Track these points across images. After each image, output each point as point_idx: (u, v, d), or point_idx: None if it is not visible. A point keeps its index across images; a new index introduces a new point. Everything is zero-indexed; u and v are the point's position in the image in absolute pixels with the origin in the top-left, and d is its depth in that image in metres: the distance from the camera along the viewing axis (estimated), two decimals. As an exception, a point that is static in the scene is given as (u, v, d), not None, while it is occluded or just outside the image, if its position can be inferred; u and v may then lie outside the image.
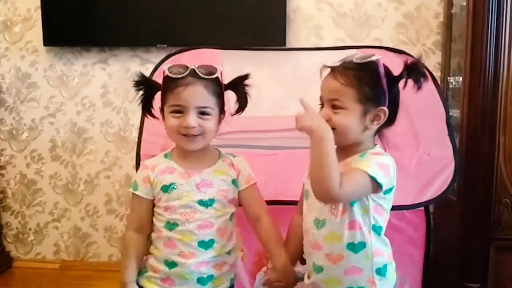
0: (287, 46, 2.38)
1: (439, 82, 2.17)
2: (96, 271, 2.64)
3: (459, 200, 1.93)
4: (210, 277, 1.32)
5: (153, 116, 1.38)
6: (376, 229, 1.22)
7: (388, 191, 1.21)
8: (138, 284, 1.35)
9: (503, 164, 1.86)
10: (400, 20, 2.42)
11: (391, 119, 1.24)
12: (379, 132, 1.26)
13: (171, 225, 1.31)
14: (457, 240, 1.95)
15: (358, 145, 1.24)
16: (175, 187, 1.31)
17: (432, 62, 2.40)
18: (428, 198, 1.59)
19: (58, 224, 2.72)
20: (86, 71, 2.60)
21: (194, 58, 1.35)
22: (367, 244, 1.22)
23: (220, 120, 1.36)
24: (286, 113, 2.08)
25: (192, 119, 1.26)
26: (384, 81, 1.20)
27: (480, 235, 1.89)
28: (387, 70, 1.22)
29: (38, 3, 2.50)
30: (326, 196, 1.14)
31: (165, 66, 1.31)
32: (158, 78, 1.36)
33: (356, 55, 1.23)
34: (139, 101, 1.35)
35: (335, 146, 1.13)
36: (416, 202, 1.57)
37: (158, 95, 1.35)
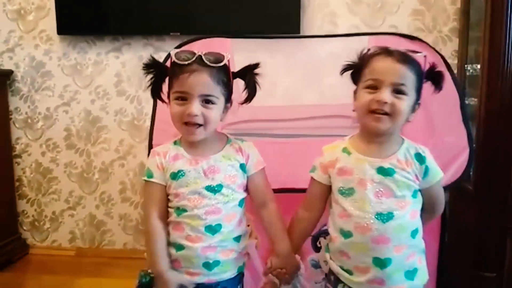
0: (301, 33, 2.35)
1: (455, 70, 2.14)
2: (111, 258, 2.67)
3: (476, 189, 1.91)
4: (217, 263, 1.31)
5: (162, 101, 1.37)
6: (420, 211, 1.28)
7: None
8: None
9: (521, 152, 1.83)
10: (416, 6, 2.38)
11: None
12: None
13: (180, 211, 1.31)
14: (473, 229, 1.92)
15: (393, 134, 1.27)
16: (183, 174, 1.31)
17: (449, 49, 2.36)
18: (443, 184, 1.57)
19: (74, 212, 2.75)
20: (99, 59, 2.61)
21: (206, 47, 1.33)
22: (419, 228, 1.27)
23: (226, 110, 1.35)
24: (299, 102, 2.07)
25: (195, 107, 1.25)
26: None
27: (496, 225, 1.86)
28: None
29: (52, -9, 2.51)
30: None
31: (172, 51, 1.30)
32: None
33: (401, 48, 1.26)
34: (148, 85, 1.35)
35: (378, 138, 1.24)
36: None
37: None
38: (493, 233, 1.88)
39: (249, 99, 1.36)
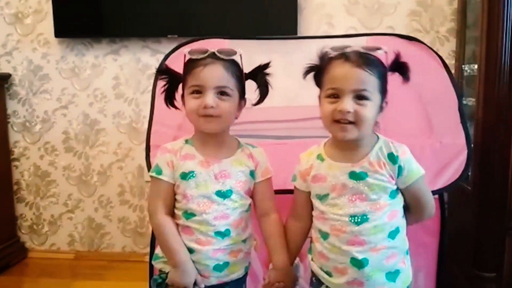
0: (298, 35, 2.36)
1: (453, 70, 2.14)
2: (110, 261, 2.67)
3: (474, 190, 1.91)
4: (226, 264, 1.31)
5: (176, 107, 1.37)
6: (403, 209, 1.26)
7: None
8: (156, 269, 1.36)
9: (519, 153, 1.83)
10: (413, 7, 2.38)
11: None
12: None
13: (188, 215, 1.30)
14: (472, 230, 1.92)
15: (363, 138, 1.23)
16: (194, 175, 1.29)
17: (446, 49, 2.36)
18: (441, 186, 1.57)
19: (72, 215, 2.75)
20: (97, 62, 2.61)
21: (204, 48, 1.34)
22: (400, 228, 1.25)
23: (240, 107, 1.35)
24: (297, 103, 2.07)
25: (210, 98, 1.25)
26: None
27: (495, 225, 1.86)
28: None
29: (49, -5, 2.51)
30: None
31: (186, 50, 1.30)
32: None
33: (360, 46, 1.22)
34: (162, 92, 1.36)
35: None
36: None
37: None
38: (492, 233, 1.87)
39: (262, 99, 1.37)
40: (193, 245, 1.29)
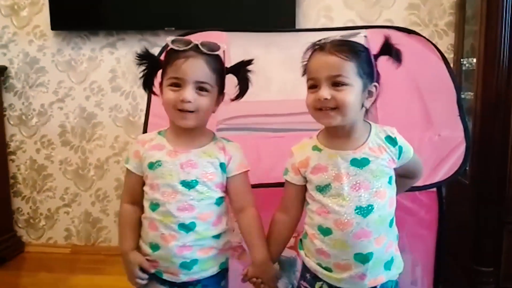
0: (296, 27, 2.35)
1: (451, 64, 2.14)
2: (107, 255, 2.66)
3: (472, 184, 1.91)
4: (195, 261, 1.28)
5: (153, 93, 1.37)
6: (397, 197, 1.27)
7: None
8: None
9: (517, 146, 1.83)
10: (412, 0, 2.37)
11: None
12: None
13: (154, 206, 1.29)
14: (470, 224, 1.93)
15: (355, 124, 1.23)
16: (160, 164, 1.28)
17: (445, 43, 2.35)
18: (440, 179, 1.56)
19: (69, 209, 2.74)
20: (94, 55, 2.59)
21: (201, 40, 1.33)
22: (394, 216, 1.25)
23: (218, 102, 1.33)
24: (295, 96, 2.06)
25: (189, 93, 1.23)
26: (373, 56, 1.22)
27: (493, 219, 1.86)
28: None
29: (45, -13, 2.49)
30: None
31: (168, 39, 1.28)
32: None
33: (340, 34, 1.23)
34: (140, 76, 1.34)
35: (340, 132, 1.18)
36: (428, 183, 1.54)
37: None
38: (489, 227, 1.88)
39: (240, 95, 1.34)
40: (158, 240, 1.28)
